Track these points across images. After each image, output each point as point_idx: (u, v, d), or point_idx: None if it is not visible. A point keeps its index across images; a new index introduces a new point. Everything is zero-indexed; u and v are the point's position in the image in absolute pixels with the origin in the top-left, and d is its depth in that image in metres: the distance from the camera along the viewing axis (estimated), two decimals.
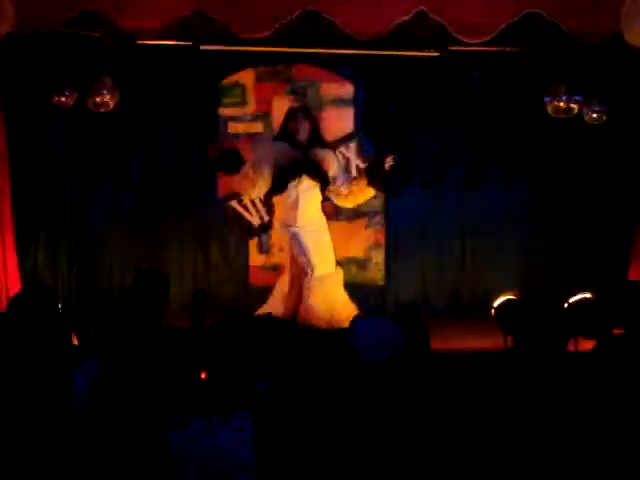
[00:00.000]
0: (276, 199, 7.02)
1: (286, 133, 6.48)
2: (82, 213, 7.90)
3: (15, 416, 2.90)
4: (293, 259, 6.58)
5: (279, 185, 6.45)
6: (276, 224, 7.30)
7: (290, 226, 6.49)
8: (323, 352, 5.20)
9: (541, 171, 7.99)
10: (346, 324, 6.27)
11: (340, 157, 7.28)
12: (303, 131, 6.43)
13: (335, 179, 6.54)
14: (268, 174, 6.39)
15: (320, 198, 6.57)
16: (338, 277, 6.66)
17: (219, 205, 7.97)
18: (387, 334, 3.02)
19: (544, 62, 7.48)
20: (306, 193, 6.47)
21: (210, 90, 7.90)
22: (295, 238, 6.48)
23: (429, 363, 3.22)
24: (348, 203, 6.82)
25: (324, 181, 6.50)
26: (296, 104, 7.10)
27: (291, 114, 6.53)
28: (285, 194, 6.49)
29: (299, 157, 6.40)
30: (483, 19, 6.02)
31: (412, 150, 7.98)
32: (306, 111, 6.60)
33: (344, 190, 6.58)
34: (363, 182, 6.59)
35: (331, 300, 6.51)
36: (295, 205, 6.46)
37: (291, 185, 6.43)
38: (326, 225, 6.64)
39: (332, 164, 6.55)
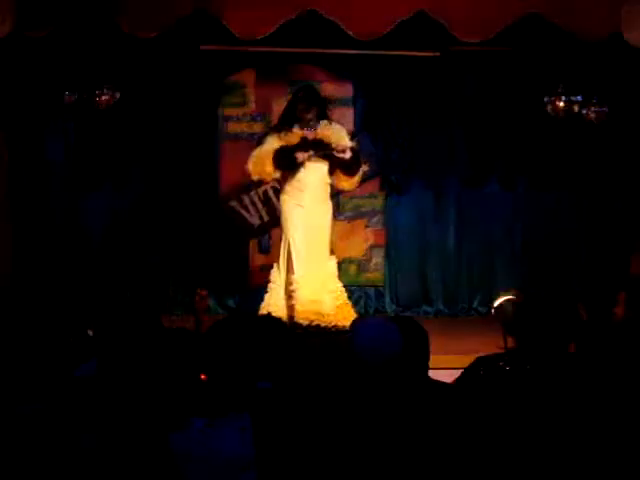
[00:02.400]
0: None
1: (294, 115, 6.49)
2: (82, 214, 7.89)
3: (14, 416, 2.90)
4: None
5: (288, 163, 6.43)
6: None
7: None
8: (323, 352, 5.21)
9: (541, 171, 7.99)
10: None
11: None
12: (310, 112, 6.45)
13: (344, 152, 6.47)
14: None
15: (327, 180, 6.58)
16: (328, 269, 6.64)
17: (219, 205, 7.96)
18: (386, 335, 3.02)
19: (544, 62, 7.48)
20: (314, 174, 6.50)
21: (210, 90, 7.90)
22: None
23: (428, 364, 3.22)
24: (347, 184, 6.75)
25: (332, 160, 6.48)
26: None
27: (297, 96, 6.57)
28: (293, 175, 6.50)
29: (308, 136, 6.42)
30: (483, 19, 6.03)
31: (412, 150, 7.99)
32: (312, 91, 6.63)
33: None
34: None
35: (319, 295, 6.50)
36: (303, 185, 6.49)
37: (299, 165, 6.44)
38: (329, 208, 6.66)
39: (341, 140, 6.50)
